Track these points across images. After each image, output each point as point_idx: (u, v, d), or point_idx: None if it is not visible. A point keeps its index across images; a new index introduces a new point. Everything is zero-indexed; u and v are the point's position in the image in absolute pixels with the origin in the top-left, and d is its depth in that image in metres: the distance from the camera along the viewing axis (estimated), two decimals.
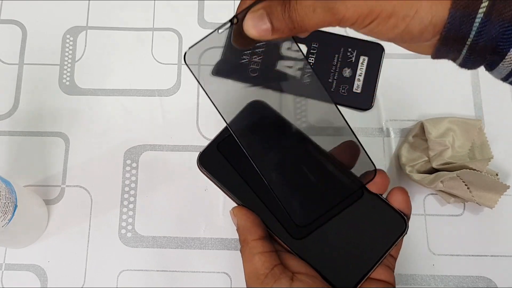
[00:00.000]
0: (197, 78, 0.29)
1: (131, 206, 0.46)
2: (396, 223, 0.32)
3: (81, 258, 0.45)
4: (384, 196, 0.33)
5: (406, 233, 0.32)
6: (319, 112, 0.35)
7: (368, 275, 0.31)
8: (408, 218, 0.32)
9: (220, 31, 0.27)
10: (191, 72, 0.29)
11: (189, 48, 0.28)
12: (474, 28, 0.23)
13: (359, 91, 0.49)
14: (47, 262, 0.45)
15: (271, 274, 0.30)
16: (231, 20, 0.27)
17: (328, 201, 0.31)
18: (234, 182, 0.33)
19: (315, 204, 0.32)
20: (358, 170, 0.32)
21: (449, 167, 0.44)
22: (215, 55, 0.50)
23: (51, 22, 0.53)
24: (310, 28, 0.25)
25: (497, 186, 0.43)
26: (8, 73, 0.51)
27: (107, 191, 0.47)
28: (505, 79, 0.26)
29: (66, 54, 0.52)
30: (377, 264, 0.31)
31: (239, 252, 0.33)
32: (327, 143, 0.33)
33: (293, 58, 0.49)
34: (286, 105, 0.34)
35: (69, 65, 0.51)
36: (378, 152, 0.48)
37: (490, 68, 0.26)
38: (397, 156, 0.47)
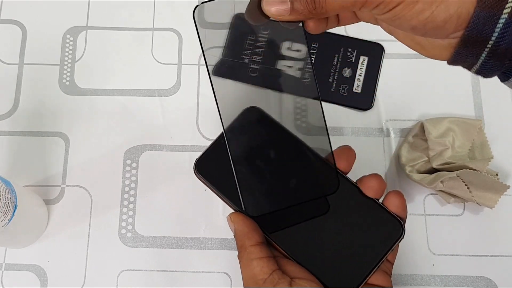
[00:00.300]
0: (201, 40, 0.28)
1: (131, 206, 0.46)
2: (393, 228, 0.32)
3: (81, 258, 0.45)
4: (380, 200, 0.33)
5: (403, 238, 0.32)
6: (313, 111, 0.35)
7: (366, 280, 0.31)
8: (404, 222, 0.32)
9: None
10: (197, 32, 0.28)
11: (202, 2, 0.27)
12: (497, 29, 0.23)
13: (359, 91, 0.49)
14: (47, 262, 0.45)
15: (270, 279, 0.30)
16: None
17: (290, 199, 0.31)
18: (231, 188, 0.33)
19: (276, 198, 0.32)
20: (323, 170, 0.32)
21: (449, 167, 0.44)
22: (215, 55, 0.50)
23: (51, 22, 0.53)
24: (331, 10, 0.25)
25: (497, 186, 0.43)
26: (8, 73, 0.51)
27: (107, 191, 0.47)
28: None
29: (66, 54, 0.52)
30: (374, 269, 0.31)
31: None
32: (317, 143, 0.33)
33: (293, 58, 0.49)
34: (285, 105, 0.34)
35: (69, 65, 0.51)
36: (378, 152, 0.48)
37: (506, 77, 0.25)
38: (397, 156, 0.47)
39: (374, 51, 0.50)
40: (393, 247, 0.32)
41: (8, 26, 0.52)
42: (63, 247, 0.45)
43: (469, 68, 0.26)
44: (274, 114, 0.35)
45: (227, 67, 0.49)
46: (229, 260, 0.45)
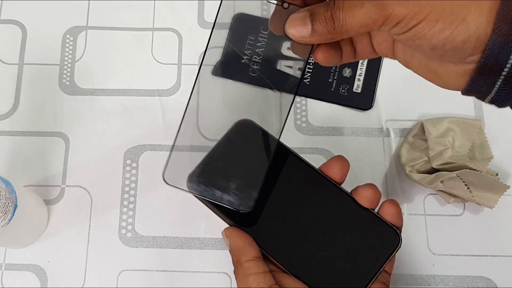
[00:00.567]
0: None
1: (131, 206, 0.46)
2: (390, 238, 0.32)
3: (81, 258, 0.45)
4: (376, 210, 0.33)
5: (399, 248, 0.32)
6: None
7: None
8: (400, 231, 0.32)
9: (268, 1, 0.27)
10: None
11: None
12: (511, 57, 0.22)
13: (359, 91, 0.49)
14: (47, 262, 0.45)
15: None
16: (282, 2, 0.27)
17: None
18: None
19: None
20: None
21: (449, 167, 0.44)
22: (215, 55, 0.50)
23: (51, 22, 0.53)
24: (351, 29, 0.24)
25: (497, 186, 0.43)
26: (8, 73, 0.51)
27: (107, 191, 0.47)
28: None
29: (66, 54, 0.52)
30: (372, 280, 0.31)
31: None
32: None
33: (293, 58, 0.48)
34: (285, 105, 0.34)
35: (69, 65, 0.51)
36: (378, 152, 0.48)
37: None
38: (397, 156, 0.47)
39: None
40: (390, 257, 0.31)
41: (8, 26, 0.53)
42: (63, 247, 0.45)
43: (483, 98, 0.26)
44: (274, 115, 0.35)
45: (227, 67, 0.49)
46: (229, 260, 0.44)
